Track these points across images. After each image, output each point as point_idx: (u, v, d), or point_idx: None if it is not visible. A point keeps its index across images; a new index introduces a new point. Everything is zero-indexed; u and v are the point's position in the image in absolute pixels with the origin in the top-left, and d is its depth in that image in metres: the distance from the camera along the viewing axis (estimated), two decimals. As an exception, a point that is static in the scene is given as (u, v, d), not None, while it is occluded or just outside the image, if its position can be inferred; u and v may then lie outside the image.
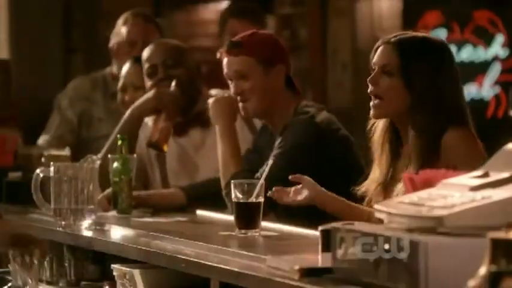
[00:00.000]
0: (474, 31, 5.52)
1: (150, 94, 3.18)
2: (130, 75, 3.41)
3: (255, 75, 2.87)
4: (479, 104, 5.45)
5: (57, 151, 3.33)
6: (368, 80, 2.43)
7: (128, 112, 3.21)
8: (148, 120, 3.26)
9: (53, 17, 5.93)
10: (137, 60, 3.37)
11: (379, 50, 2.44)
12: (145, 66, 3.24)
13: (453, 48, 5.38)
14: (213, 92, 3.15)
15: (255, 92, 2.86)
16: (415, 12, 5.50)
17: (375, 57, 2.44)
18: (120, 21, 3.81)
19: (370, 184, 2.44)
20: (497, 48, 5.52)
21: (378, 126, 2.48)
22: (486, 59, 5.53)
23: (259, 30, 2.99)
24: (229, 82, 2.93)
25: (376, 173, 2.45)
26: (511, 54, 5.49)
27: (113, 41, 3.81)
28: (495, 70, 5.53)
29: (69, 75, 4.05)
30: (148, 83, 3.24)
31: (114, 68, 3.82)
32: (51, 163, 2.76)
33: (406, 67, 2.39)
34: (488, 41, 5.53)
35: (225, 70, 2.92)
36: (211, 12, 6.53)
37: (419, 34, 2.51)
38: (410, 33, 2.47)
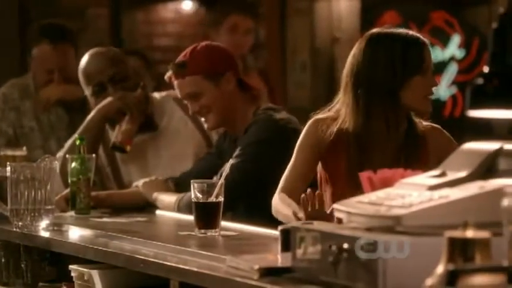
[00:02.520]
0: (431, 31, 5.58)
1: (114, 96, 3.16)
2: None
3: (207, 91, 2.90)
4: (436, 104, 5.48)
5: (13, 151, 3.29)
6: (436, 82, 2.47)
7: (92, 112, 3.18)
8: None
9: (9, 16, 5.86)
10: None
11: (429, 52, 2.45)
12: (90, 85, 3.15)
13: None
14: (140, 182, 3.02)
15: (211, 106, 2.91)
16: (373, 12, 5.54)
17: (430, 59, 2.45)
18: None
19: None
20: (453, 48, 5.59)
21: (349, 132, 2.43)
22: (443, 59, 5.59)
23: (199, 44, 2.98)
24: (185, 102, 2.95)
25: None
26: (467, 55, 5.56)
27: (30, 60, 3.66)
28: (452, 70, 5.60)
29: (25, 73, 3.98)
30: (93, 99, 3.16)
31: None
32: (8, 163, 2.73)
33: None
34: (445, 41, 5.60)
35: (178, 93, 2.94)
36: (171, 11, 6.50)
37: None
38: None
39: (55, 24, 3.79)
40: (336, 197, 2.38)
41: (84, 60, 3.21)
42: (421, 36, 2.48)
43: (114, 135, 3.16)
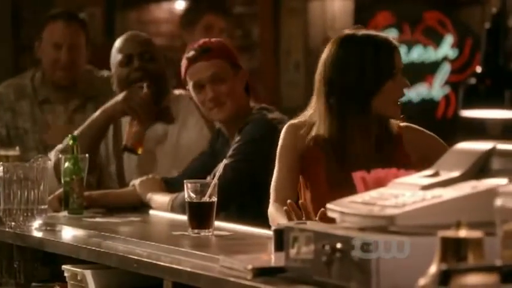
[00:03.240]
0: (424, 32, 5.59)
1: (120, 96, 3.15)
2: None
3: (230, 77, 2.91)
4: (429, 104, 5.52)
5: (6, 151, 3.28)
6: (408, 85, 2.45)
7: (97, 112, 3.17)
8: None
9: (2, 15, 5.85)
10: None
11: (398, 54, 2.45)
12: (120, 55, 3.19)
13: (404, 49, 5.46)
14: (137, 181, 3.03)
15: (230, 95, 2.89)
16: (367, 12, 5.55)
17: (400, 62, 2.44)
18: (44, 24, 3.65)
19: None
20: (446, 48, 5.60)
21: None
22: (436, 59, 5.60)
23: (210, 39, 2.99)
24: (197, 90, 2.91)
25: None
26: (460, 55, 5.57)
27: (38, 44, 3.66)
28: (445, 70, 5.61)
29: (19, 73, 3.97)
30: (118, 70, 3.17)
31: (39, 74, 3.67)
32: (0, 163, 2.73)
33: None
34: (438, 41, 5.60)
35: (195, 77, 2.90)
36: (164, 11, 6.50)
37: None
38: None
39: (70, 10, 3.83)
40: (317, 202, 2.39)
41: (120, 38, 3.25)
42: (392, 39, 2.46)
43: (125, 138, 3.15)
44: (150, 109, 3.15)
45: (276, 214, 2.41)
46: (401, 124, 2.49)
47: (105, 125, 3.17)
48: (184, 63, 2.93)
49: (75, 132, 3.10)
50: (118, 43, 3.25)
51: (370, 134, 2.44)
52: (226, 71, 2.89)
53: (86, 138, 3.04)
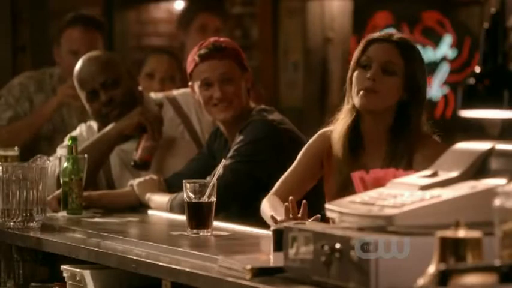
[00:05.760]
0: (423, 32, 5.59)
1: (135, 112, 3.12)
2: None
3: (236, 79, 2.91)
4: (428, 104, 5.51)
5: (5, 151, 3.29)
6: (369, 75, 2.40)
7: (108, 127, 3.14)
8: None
9: (1, 16, 5.85)
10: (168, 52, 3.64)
11: (377, 47, 2.43)
12: (84, 93, 3.15)
13: (403, 49, 5.46)
14: (135, 181, 3.01)
15: (237, 96, 2.90)
16: (365, 12, 5.55)
17: (372, 52, 2.42)
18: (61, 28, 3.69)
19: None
20: (445, 48, 5.60)
21: (340, 127, 2.45)
22: (435, 59, 5.60)
23: (219, 38, 3.01)
24: (204, 87, 2.91)
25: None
26: (459, 55, 5.57)
27: (57, 50, 3.70)
28: (444, 70, 5.61)
29: (17, 74, 3.97)
30: (88, 106, 3.15)
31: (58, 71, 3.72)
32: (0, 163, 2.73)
33: (408, 67, 2.43)
34: (436, 41, 5.60)
35: (205, 74, 2.90)
36: (163, 11, 6.50)
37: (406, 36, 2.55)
38: (401, 34, 2.52)
39: (87, 14, 3.86)
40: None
41: (78, 65, 3.20)
42: (375, 34, 2.45)
43: (137, 152, 3.10)
44: (162, 124, 3.15)
45: (266, 206, 2.43)
46: (433, 137, 2.45)
47: (116, 140, 3.13)
48: (194, 59, 2.93)
49: (85, 145, 3.08)
50: (77, 76, 3.15)
51: (353, 123, 2.42)
52: (234, 72, 2.91)
53: (94, 151, 3.04)
